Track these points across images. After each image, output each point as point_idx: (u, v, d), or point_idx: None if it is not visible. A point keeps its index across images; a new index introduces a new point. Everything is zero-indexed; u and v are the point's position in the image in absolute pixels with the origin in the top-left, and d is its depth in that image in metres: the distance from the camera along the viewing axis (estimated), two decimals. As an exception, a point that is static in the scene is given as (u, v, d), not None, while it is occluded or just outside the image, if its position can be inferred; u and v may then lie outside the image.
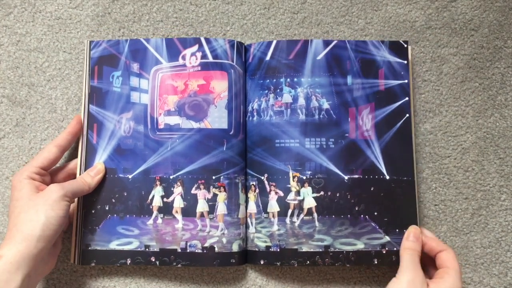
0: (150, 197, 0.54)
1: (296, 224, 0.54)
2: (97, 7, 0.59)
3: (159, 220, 0.54)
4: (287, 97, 0.55)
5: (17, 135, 0.57)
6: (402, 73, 0.55)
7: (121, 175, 0.54)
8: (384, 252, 0.53)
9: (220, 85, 0.55)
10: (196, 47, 0.55)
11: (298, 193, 0.54)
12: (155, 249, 0.53)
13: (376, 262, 0.53)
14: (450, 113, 0.58)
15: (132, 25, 0.58)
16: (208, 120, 0.55)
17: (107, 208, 0.54)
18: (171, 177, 0.54)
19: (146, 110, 0.55)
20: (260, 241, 0.53)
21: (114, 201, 0.54)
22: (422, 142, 0.57)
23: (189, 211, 0.54)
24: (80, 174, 0.54)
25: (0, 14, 0.58)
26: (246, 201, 0.55)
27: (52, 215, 0.46)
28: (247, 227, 0.55)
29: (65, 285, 0.55)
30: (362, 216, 0.54)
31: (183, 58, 0.55)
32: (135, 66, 0.55)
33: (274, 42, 0.56)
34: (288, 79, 0.55)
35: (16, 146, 0.57)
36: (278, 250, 0.53)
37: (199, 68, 0.55)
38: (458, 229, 0.56)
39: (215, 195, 0.54)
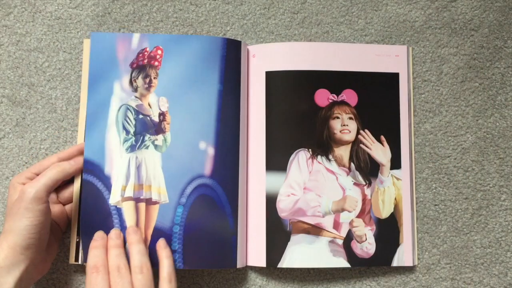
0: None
1: None
2: (97, 7, 0.59)
3: None
4: None
5: (17, 135, 0.57)
6: None
7: None
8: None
9: None
10: None
11: None
12: None
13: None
14: (450, 113, 0.58)
15: (132, 25, 0.58)
16: None
17: None
18: None
19: None
20: None
21: None
22: (422, 142, 0.57)
23: None
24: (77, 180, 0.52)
25: (0, 14, 0.58)
26: None
27: (26, 223, 0.44)
28: None
29: (65, 285, 0.54)
30: None
31: None
32: None
33: None
34: None
35: (16, 146, 0.57)
36: None
37: None
38: (458, 229, 0.56)
39: None
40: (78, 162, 0.51)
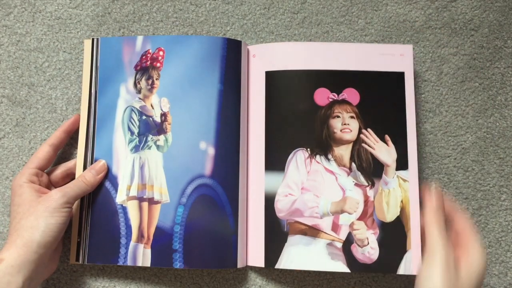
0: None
1: None
2: (97, 7, 0.59)
3: None
4: None
5: (17, 135, 0.57)
6: None
7: None
8: None
9: None
10: None
11: None
12: None
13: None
14: (450, 113, 0.58)
15: (132, 25, 0.58)
16: None
17: None
18: None
19: None
20: None
21: None
22: (422, 142, 0.57)
23: None
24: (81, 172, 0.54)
25: (0, 14, 0.58)
26: None
27: (51, 222, 0.46)
28: None
29: (65, 285, 0.54)
30: None
31: None
32: None
33: None
34: None
35: (16, 146, 0.57)
36: None
37: None
38: (458, 229, 0.56)
39: None
40: (100, 173, 0.53)
